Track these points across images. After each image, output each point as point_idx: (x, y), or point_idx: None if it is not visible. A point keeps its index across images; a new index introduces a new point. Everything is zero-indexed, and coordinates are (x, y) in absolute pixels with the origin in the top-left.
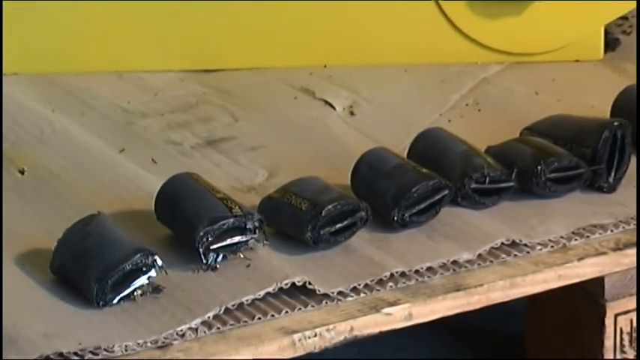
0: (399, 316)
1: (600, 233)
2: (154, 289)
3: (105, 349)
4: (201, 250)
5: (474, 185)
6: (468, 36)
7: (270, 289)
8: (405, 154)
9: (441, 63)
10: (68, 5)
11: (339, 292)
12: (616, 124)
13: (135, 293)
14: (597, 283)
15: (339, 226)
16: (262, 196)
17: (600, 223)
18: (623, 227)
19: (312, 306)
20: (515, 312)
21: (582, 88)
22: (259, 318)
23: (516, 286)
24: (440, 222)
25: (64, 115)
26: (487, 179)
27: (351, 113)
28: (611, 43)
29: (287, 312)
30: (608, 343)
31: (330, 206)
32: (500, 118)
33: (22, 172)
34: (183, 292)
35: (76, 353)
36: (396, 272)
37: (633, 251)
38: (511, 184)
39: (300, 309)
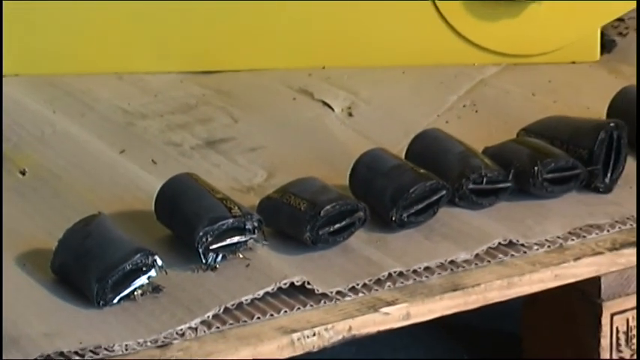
0: (397, 315)
1: (597, 233)
2: (154, 288)
3: (105, 349)
4: (200, 250)
5: (471, 186)
6: (466, 38)
7: (269, 289)
8: (402, 155)
9: (438, 64)
10: (69, 7)
11: (338, 292)
12: (612, 125)
13: (135, 293)
14: (594, 282)
15: (337, 226)
16: (261, 197)
17: (597, 223)
18: (620, 227)
19: (311, 305)
20: (512, 311)
21: (579, 89)
22: (258, 317)
23: (513, 286)
24: (437, 222)
25: (65, 116)
26: (484, 180)
27: (350, 114)
28: (607, 45)
29: (286, 311)
30: (605, 342)
31: (328, 206)
32: (498, 119)
33: (23, 173)
34: (183, 292)
35: (76, 352)
36: (394, 272)
37: (629, 251)
38: (508, 184)
39: (298, 308)
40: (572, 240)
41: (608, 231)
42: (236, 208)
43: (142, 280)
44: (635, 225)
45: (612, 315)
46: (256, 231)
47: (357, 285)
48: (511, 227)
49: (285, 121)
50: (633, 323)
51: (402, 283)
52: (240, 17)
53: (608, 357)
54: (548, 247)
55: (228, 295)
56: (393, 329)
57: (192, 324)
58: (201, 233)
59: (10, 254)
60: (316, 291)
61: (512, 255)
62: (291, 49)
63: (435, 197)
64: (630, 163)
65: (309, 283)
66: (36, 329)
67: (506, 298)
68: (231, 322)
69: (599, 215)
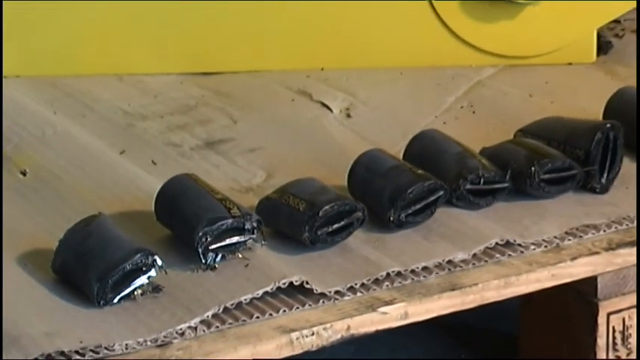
0: (395, 315)
1: (593, 233)
2: (154, 288)
3: (105, 348)
4: (200, 250)
5: (468, 186)
6: (463, 39)
7: (268, 289)
8: (400, 156)
9: (436, 66)
10: (69, 9)
11: (336, 292)
12: (608, 125)
13: (135, 292)
14: (590, 282)
15: (336, 226)
16: (260, 197)
17: (593, 223)
18: (616, 227)
19: (310, 305)
20: (510, 311)
21: (575, 90)
22: (257, 317)
23: (510, 286)
24: (435, 222)
25: (66, 117)
26: (482, 180)
27: (348, 115)
28: (603, 47)
29: (285, 311)
30: (601, 341)
31: (327, 207)
32: (495, 120)
33: (24, 174)
34: (183, 292)
35: (77, 352)
36: (392, 272)
37: (626, 251)
38: (505, 185)
39: (297, 308)
40: (569, 240)
41: (604, 231)
42: (235, 208)
43: (142, 279)
44: (630, 225)
45: (608, 314)
46: (255, 231)
47: (356, 285)
48: (508, 227)
49: (284, 122)
50: (629, 322)
51: (400, 282)
52: (239, 19)
53: (604, 356)
54: (545, 247)
55: (227, 294)
56: (391, 329)
57: (192, 323)
58: (200, 233)
59: (11, 254)
60: (315, 291)
61: (510, 255)
62: (290, 51)
63: (432, 197)
64: (626, 164)
65: (307, 283)
66: (37, 328)
67: (504, 297)
68: (230, 321)
69: (595, 215)
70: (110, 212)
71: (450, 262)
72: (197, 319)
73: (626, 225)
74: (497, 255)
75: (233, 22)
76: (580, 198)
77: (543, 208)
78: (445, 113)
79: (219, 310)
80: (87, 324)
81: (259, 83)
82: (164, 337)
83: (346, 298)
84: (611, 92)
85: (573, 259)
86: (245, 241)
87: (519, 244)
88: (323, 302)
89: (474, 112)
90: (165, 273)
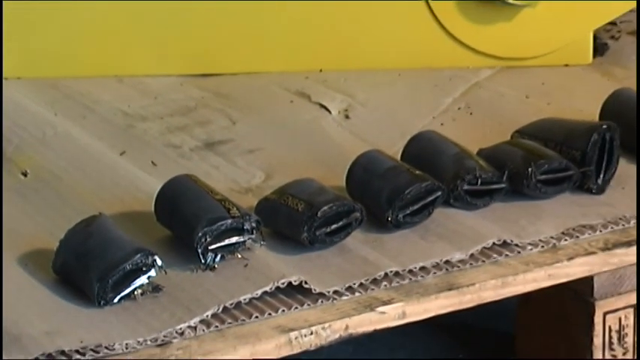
0: (393, 314)
1: (589, 233)
2: (154, 288)
3: (106, 347)
4: (199, 250)
5: (466, 187)
6: (460, 41)
7: (267, 289)
8: (398, 157)
9: (433, 67)
10: (70, 11)
11: (335, 291)
12: (605, 127)
13: (135, 292)
14: (586, 282)
15: (334, 226)
16: (259, 198)
17: (589, 223)
18: (612, 228)
19: (309, 305)
20: (507, 311)
21: (572, 91)
22: (257, 316)
23: (507, 286)
24: (433, 223)
25: (66, 119)
26: (479, 181)
27: (346, 116)
28: (599, 48)
29: (284, 311)
30: (597, 341)
31: (325, 207)
32: (492, 121)
33: (24, 174)
34: (183, 292)
35: (77, 351)
36: (390, 272)
37: (622, 251)
38: (502, 185)
39: (296, 308)
40: (566, 240)
41: (600, 231)
42: (234, 208)
43: (142, 279)
44: (627, 225)
45: (605, 314)
46: (254, 231)
47: (354, 284)
48: (505, 227)
49: (283, 123)
50: (625, 322)
51: (398, 282)
52: (238, 21)
53: (600, 355)
54: (542, 247)
55: (226, 294)
56: (390, 328)
57: (192, 323)
58: (200, 234)
59: (12, 254)
60: (313, 290)
61: (507, 255)
62: (289, 53)
63: (430, 198)
64: (623, 165)
65: (306, 283)
66: (37, 328)
67: (501, 297)
68: (229, 321)
69: (591, 216)
70: (110, 213)
71: (447, 262)
72: (197, 319)
73: (623, 225)
74: (495, 255)
75: (232, 24)
76: (577, 198)
77: (540, 208)
78: (443, 114)
79: (218, 309)
80: (87, 323)
81: (258, 85)
82: (164, 336)
83: (344, 297)
84: (607, 93)
85: (570, 259)
86: (244, 241)
87: (516, 245)
88: (321, 302)
89: (471, 114)
90: (165, 273)
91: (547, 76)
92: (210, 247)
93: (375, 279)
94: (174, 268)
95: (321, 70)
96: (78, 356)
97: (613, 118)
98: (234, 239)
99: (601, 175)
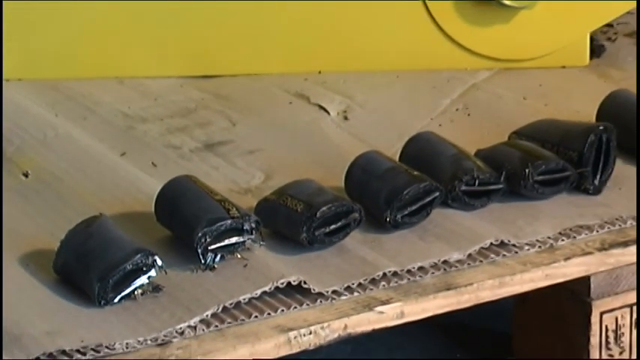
0: (392, 314)
1: (586, 234)
2: (154, 288)
3: (106, 347)
4: (199, 250)
5: (464, 187)
6: (458, 43)
7: (266, 289)
8: (397, 158)
9: (431, 69)
10: (71, 14)
11: (334, 291)
12: (601, 128)
13: (135, 292)
14: (583, 282)
15: (333, 227)
16: (259, 198)
17: (586, 224)
18: (609, 228)
19: (308, 304)
20: (504, 310)
21: (569, 93)
22: (256, 316)
23: (505, 285)
24: (431, 223)
25: (67, 120)
26: (477, 182)
27: (345, 118)
28: (596, 50)
29: (283, 310)
30: (594, 340)
31: (324, 208)
32: (490, 122)
33: (26, 175)
34: (183, 292)
35: (78, 350)
36: (389, 272)
37: (618, 251)
38: (500, 186)
39: (295, 307)
40: (563, 240)
41: (597, 231)
42: (234, 209)
43: (143, 279)
44: (623, 226)
45: (601, 314)
46: (254, 232)
47: (353, 284)
48: (503, 228)
49: (282, 124)
50: (622, 322)
51: (396, 282)
52: (238, 23)
53: (597, 355)
54: (539, 247)
55: (226, 294)
56: (388, 328)
57: (192, 323)
58: (200, 234)
59: (13, 255)
60: (312, 290)
61: (504, 255)
62: (288, 54)
63: (428, 199)
64: (619, 166)
65: (305, 283)
66: (38, 328)
67: (498, 297)
68: (229, 320)
69: (588, 216)
70: (111, 213)
71: (445, 262)
72: (196, 319)
73: (619, 226)
74: (492, 255)
75: (232, 26)
76: (573, 199)
77: (537, 209)
78: (441, 116)
79: (218, 309)
80: (88, 323)
81: (258, 86)
82: (164, 336)
83: (343, 297)
84: (603, 95)
85: (567, 259)
86: (244, 241)
87: (514, 245)
88: (320, 302)
89: (469, 115)
90: (165, 273)
91: (544, 77)
92: (210, 248)
93: (373, 279)
94: (175, 268)
95: (320, 72)
96: (79, 356)
97: (610, 119)
98: (233, 239)
99: (598, 176)
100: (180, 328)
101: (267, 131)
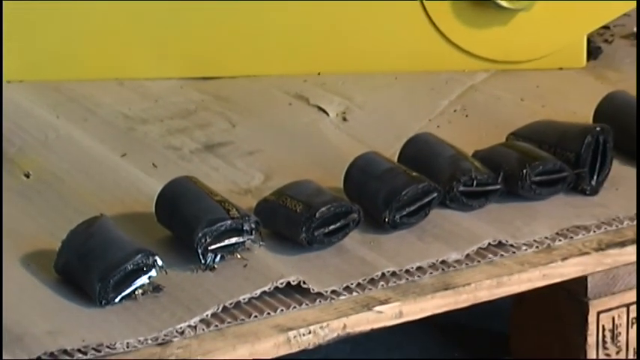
0: (390, 314)
1: (583, 234)
2: (155, 288)
3: (107, 346)
4: (199, 250)
5: (462, 188)
6: (456, 45)
7: (266, 288)
8: (395, 159)
9: (430, 71)
10: (72, 16)
11: (333, 291)
12: (598, 129)
13: (136, 292)
14: (580, 282)
15: (332, 227)
16: (258, 199)
17: (583, 224)
18: (605, 228)
19: (307, 304)
20: (501, 310)
21: (566, 94)
22: (256, 316)
23: (502, 285)
24: (429, 223)
25: (68, 121)
26: (474, 182)
27: (344, 119)
28: (593, 52)
29: (282, 310)
30: (591, 339)
31: (323, 208)
32: (487, 123)
33: (27, 176)
34: (183, 292)
35: (79, 350)
36: (387, 272)
37: (615, 251)
38: (497, 186)
39: (295, 307)
40: (560, 240)
41: (594, 232)
42: (234, 210)
43: (143, 279)
44: (620, 226)
45: (598, 313)
46: (254, 232)
47: (352, 284)
48: (500, 228)
49: (282, 125)
50: (619, 321)
51: (394, 282)
52: (237, 25)
53: (594, 354)
54: (537, 247)
55: (226, 294)
56: (387, 327)
57: (192, 322)
58: (200, 234)
59: (14, 255)
60: (312, 290)
61: (502, 255)
62: (288, 56)
63: (426, 199)
64: (616, 166)
65: (304, 283)
66: (40, 328)
67: (496, 297)
68: (229, 320)
69: (585, 217)
70: (111, 214)
71: (443, 262)
72: (197, 318)
73: (616, 226)
74: (490, 255)
75: (232, 28)
76: (570, 200)
77: (535, 209)
78: (439, 117)
79: (218, 309)
80: (89, 323)
81: (257, 88)
82: (164, 335)
83: (342, 297)
84: (600, 96)
85: (564, 259)
86: (243, 241)
87: (511, 245)
88: (320, 302)
89: (467, 116)
90: (166, 273)
91: (542, 79)
92: (210, 248)
93: (372, 279)
94: (175, 268)
95: (319, 74)
96: (80, 355)
97: (606, 120)
98: (233, 240)
99: (595, 177)
100: (181, 328)
101: (267, 132)
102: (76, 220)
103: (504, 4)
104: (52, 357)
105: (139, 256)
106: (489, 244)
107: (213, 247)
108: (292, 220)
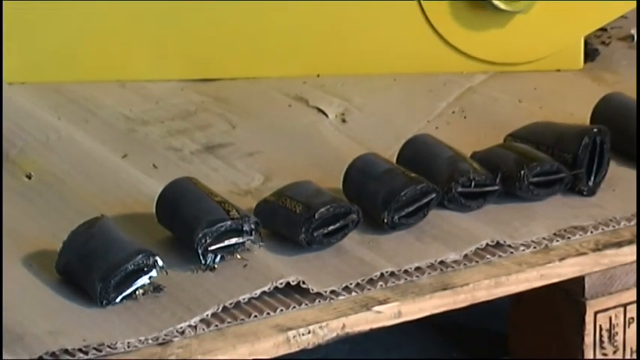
0: (389, 314)
1: (580, 234)
2: (155, 288)
3: (108, 346)
4: (200, 251)
5: (460, 189)
6: (454, 47)
7: (265, 289)
8: (394, 160)
9: (428, 72)
10: (73, 18)
11: (332, 291)
12: (595, 130)
13: (137, 292)
14: (578, 282)
15: (331, 228)
16: (258, 200)
17: (580, 224)
18: (603, 229)
19: (306, 304)
20: (499, 310)
21: (563, 96)
22: (255, 316)
23: (500, 285)
24: (428, 224)
25: (69, 123)
26: (473, 183)
27: (343, 120)
28: (590, 54)
29: (282, 310)
30: (588, 339)
31: (323, 209)
32: (485, 125)
33: (29, 177)
34: (183, 292)
35: (80, 350)
36: (386, 272)
37: (612, 252)
38: (496, 187)
39: (294, 307)
40: (557, 241)
41: (591, 232)
42: (234, 210)
43: (144, 280)
44: (617, 226)
45: (596, 313)
46: (253, 233)
47: (351, 284)
48: (498, 229)
49: (281, 127)
50: (616, 321)
51: (393, 282)
52: (238, 27)
53: (591, 354)
54: (534, 247)
55: (226, 294)
56: (386, 327)
57: (192, 322)
58: (200, 235)
59: (16, 255)
60: (311, 290)
61: (500, 255)
62: (287, 58)
63: (425, 200)
64: (613, 167)
65: (304, 283)
66: (41, 328)
67: (494, 297)
68: (229, 320)
69: (583, 217)
70: (112, 215)
71: (442, 262)
72: (197, 318)
73: (613, 226)
74: (488, 256)
75: (232, 30)
76: (568, 200)
77: (532, 210)
78: (437, 118)
79: (218, 309)
80: (90, 323)
81: (257, 89)
82: (165, 335)
83: (341, 297)
84: (597, 98)
85: (561, 259)
86: (243, 242)
87: (509, 245)
88: (319, 302)
89: (465, 118)
90: (166, 273)
91: (539, 81)
92: (210, 248)
93: (371, 279)
94: (175, 268)
95: (318, 75)
96: (81, 355)
97: (603, 121)
98: (233, 240)
99: (592, 178)
100: (181, 328)
101: (267, 134)
102: (77, 221)
103: (502, 6)
104: (53, 357)
105: (140, 256)
106: (487, 244)
107: (213, 247)
108: (292, 220)
